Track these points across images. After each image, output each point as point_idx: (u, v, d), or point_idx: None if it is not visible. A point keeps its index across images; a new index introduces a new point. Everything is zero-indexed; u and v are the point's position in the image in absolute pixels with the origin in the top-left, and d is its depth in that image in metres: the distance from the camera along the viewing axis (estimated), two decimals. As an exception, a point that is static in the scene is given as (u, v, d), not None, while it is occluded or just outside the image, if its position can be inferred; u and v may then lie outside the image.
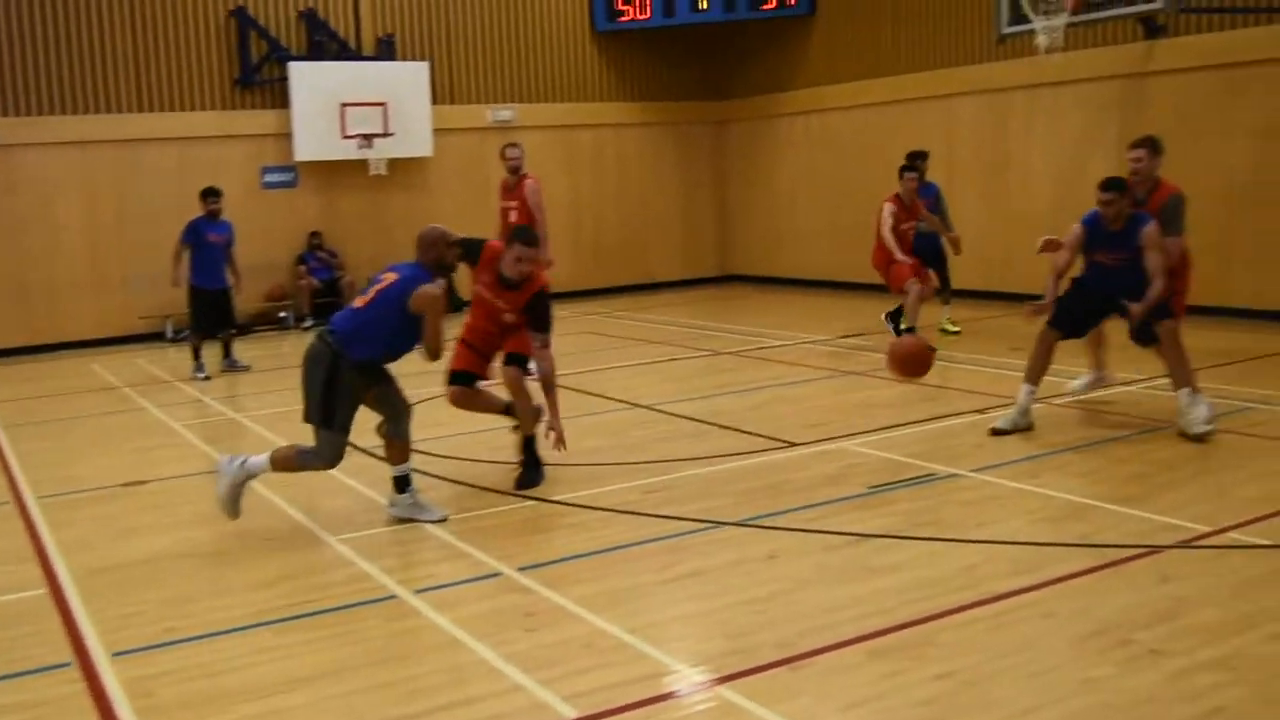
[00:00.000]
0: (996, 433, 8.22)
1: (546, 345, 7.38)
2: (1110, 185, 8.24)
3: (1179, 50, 13.70)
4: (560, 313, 16.57)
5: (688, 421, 9.23)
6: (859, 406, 9.55)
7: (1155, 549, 5.71)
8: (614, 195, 20.10)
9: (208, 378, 12.65)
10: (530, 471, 7.46)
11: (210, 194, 13.08)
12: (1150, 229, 8.24)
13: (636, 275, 20.35)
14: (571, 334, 14.87)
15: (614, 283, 19.95)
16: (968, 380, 10.31)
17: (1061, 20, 11.89)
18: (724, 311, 17.14)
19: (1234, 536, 5.84)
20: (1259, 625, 4.72)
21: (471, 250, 7.38)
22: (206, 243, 12.89)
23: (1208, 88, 13.48)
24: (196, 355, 12.91)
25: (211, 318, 13.06)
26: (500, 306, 7.39)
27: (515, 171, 11.89)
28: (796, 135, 19.35)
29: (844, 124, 18.33)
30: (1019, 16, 12.50)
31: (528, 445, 7.53)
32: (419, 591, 5.56)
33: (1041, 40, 12.05)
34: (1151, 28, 13.33)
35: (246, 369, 13.21)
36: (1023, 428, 8.28)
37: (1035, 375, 8.40)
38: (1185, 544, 5.76)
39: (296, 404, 6.72)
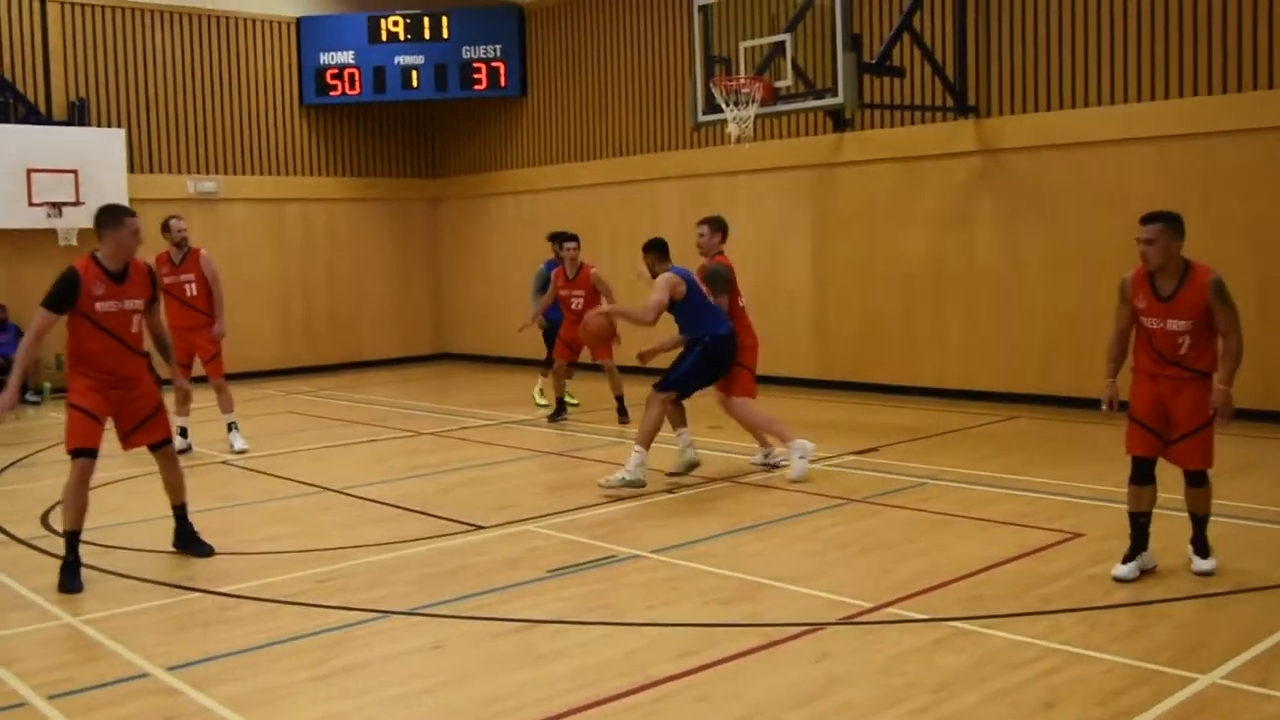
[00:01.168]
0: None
1: None
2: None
3: (864, 143, 14.47)
4: (264, 391, 16.17)
5: (376, 505, 8.98)
6: (551, 487, 9.52)
7: (818, 626, 5.82)
8: (324, 271, 19.66)
9: None
10: None
11: None
12: None
13: (347, 354, 19.91)
14: (269, 414, 14.37)
15: (323, 361, 19.47)
16: (656, 459, 10.40)
17: (751, 111, 12.33)
18: (432, 390, 16.92)
19: (894, 611, 6.02)
20: (905, 699, 4.84)
21: None
22: None
23: (890, 178, 14.27)
24: None
25: None
26: None
27: (182, 245, 11.43)
28: (509, 214, 19.45)
29: (555, 204, 18.52)
30: (714, 106, 12.90)
31: None
32: (53, 697, 5.12)
33: (733, 129, 12.46)
34: (839, 121, 14.03)
35: None
36: None
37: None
38: (846, 620, 5.89)
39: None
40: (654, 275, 9.49)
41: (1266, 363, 11.33)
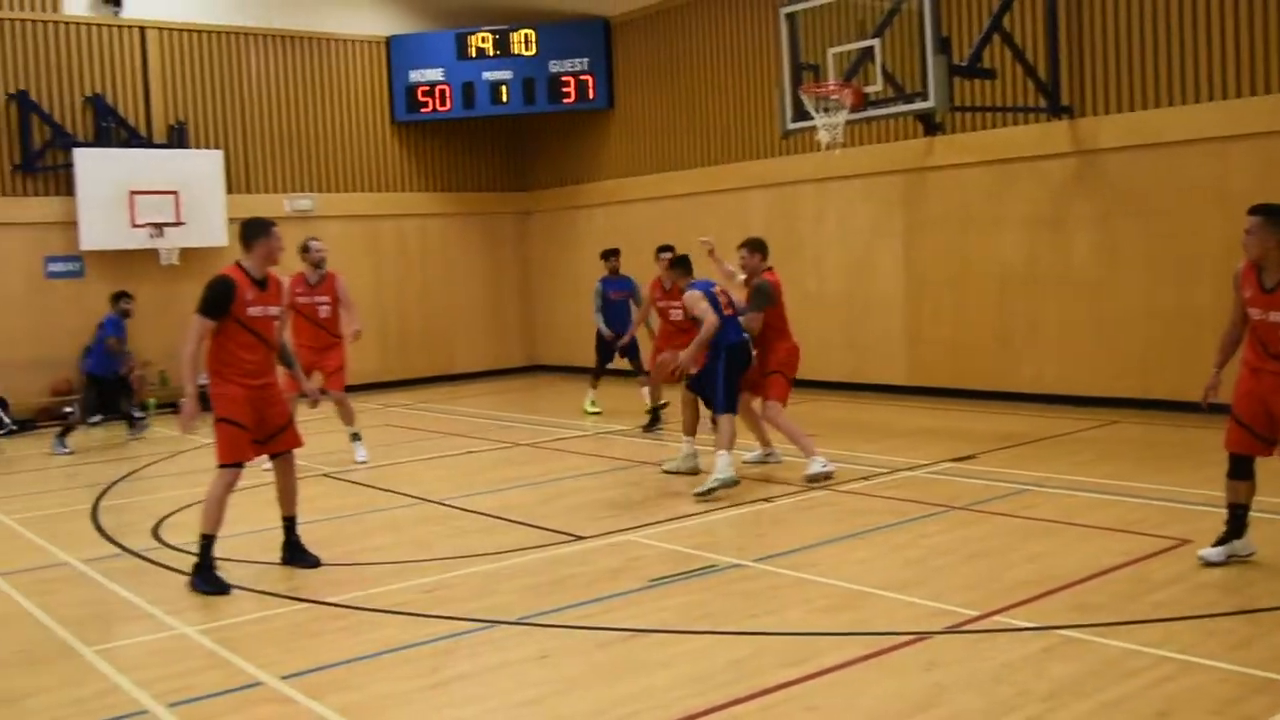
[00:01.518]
0: None
1: None
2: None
3: (955, 146, 14.34)
4: (362, 405, 16.38)
5: (477, 516, 9.08)
6: (648, 497, 9.54)
7: (924, 635, 5.78)
8: (418, 286, 19.93)
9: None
10: None
11: None
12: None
13: (440, 366, 20.16)
14: (368, 427, 14.51)
15: (417, 374, 19.72)
16: (758, 468, 10.41)
17: (841, 118, 12.28)
18: (525, 402, 17.07)
19: (1000, 620, 5.96)
20: (1016, 709, 4.79)
21: None
22: None
23: (982, 181, 14.13)
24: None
25: None
26: None
27: (320, 266, 11.65)
28: (598, 225, 19.54)
29: (644, 215, 18.59)
30: (803, 113, 12.88)
31: None
32: (173, 705, 5.26)
33: (823, 136, 12.42)
34: (929, 125, 13.90)
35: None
36: None
37: None
38: (953, 629, 5.85)
39: (70, 504, 6.36)
40: (678, 289, 10.28)
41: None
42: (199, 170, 17.40)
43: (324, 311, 11.60)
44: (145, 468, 12.30)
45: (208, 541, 7.22)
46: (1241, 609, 6.01)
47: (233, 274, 7.29)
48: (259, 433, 7.36)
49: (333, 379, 11.62)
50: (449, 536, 8.48)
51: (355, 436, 11.90)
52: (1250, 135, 11.93)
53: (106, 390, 14.53)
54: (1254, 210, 6.60)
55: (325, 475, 11.15)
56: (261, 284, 7.35)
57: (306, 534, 7.86)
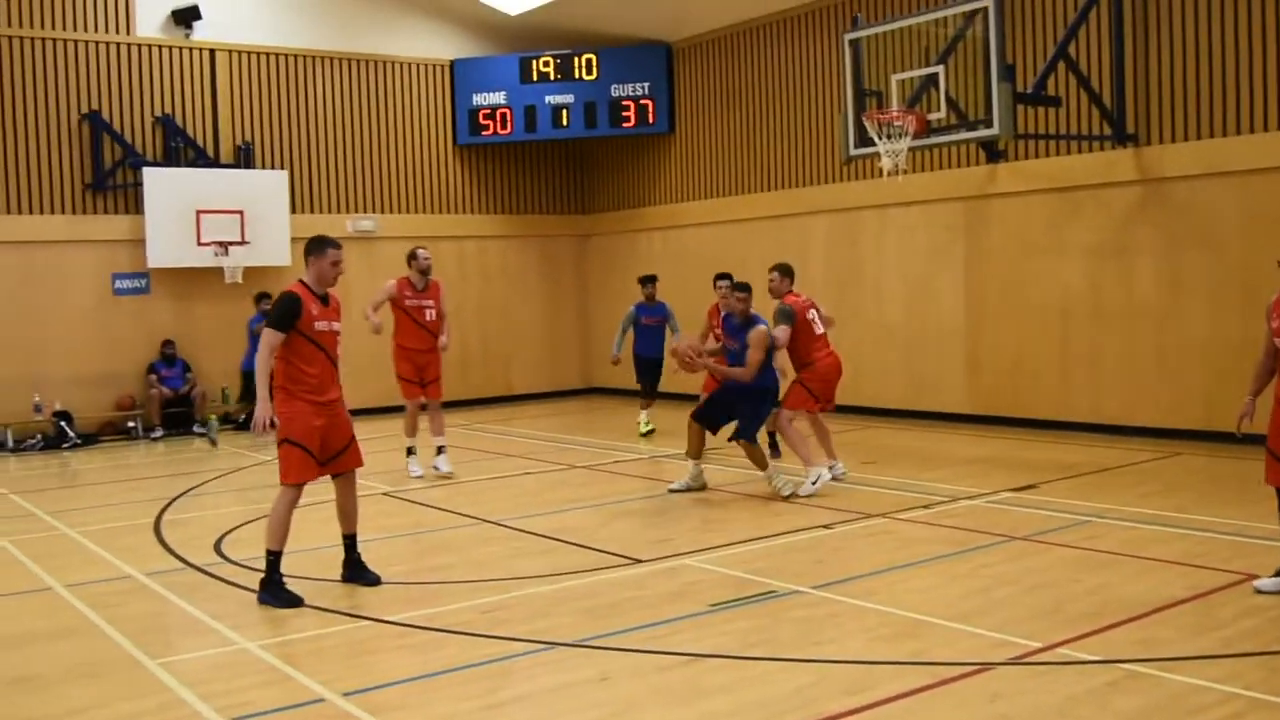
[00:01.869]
0: None
1: None
2: None
3: (1018, 174, 14.25)
4: (423, 424, 16.50)
5: (535, 537, 9.10)
6: (707, 521, 9.52)
7: (987, 666, 5.72)
8: (476, 307, 20.04)
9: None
10: None
11: None
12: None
13: (498, 388, 20.26)
14: (425, 448, 14.65)
15: (476, 394, 19.81)
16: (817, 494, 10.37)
17: (904, 144, 12.25)
18: (581, 424, 17.10)
19: (1064, 652, 5.89)
20: (1081, 743, 4.74)
21: None
22: None
23: (1045, 209, 14.02)
24: None
25: None
26: None
27: (426, 273, 12.15)
28: (656, 249, 19.59)
29: (703, 239, 18.62)
30: (866, 139, 12.86)
31: None
32: (236, 720, 5.32)
33: (886, 163, 12.39)
34: (992, 153, 13.84)
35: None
36: None
37: None
38: (1016, 660, 5.79)
39: (133, 518, 6.45)
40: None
41: None
42: (264, 190, 17.64)
43: (429, 315, 12.02)
44: (207, 483, 12.45)
45: (274, 557, 7.32)
46: (1311, 647, 5.90)
47: (298, 290, 7.42)
48: (322, 454, 7.43)
49: (433, 388, 12.04)
50: (507, 557, 8.50)
51: (441, 449, 12.22)
52: (1319, 165, 11.78)
53: None
54: None
55: (385, 494, 11.23)
56: (324, 299, 7.49)
57: (366, 552, 7.92)
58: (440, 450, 12.23)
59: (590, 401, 20.19)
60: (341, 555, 7.81)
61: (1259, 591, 6.64)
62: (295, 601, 7.21)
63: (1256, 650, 5.83)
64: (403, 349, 12.01)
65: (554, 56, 19.33)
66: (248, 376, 15.86)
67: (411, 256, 12.23)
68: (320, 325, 7.38)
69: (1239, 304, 12.35)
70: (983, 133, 12.24)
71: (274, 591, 7.27)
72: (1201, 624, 6.29)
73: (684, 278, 17.66)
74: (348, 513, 7.74)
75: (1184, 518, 9.00)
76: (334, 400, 7.50)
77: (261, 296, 16.44)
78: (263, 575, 7.38)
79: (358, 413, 16.66)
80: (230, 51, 17.91)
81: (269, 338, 7.28)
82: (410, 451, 12.26)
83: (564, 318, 21.11)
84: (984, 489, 10.34)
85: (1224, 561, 7.63)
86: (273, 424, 7.28)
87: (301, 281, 7.51)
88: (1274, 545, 7.84)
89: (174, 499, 11.40)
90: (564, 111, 19.32)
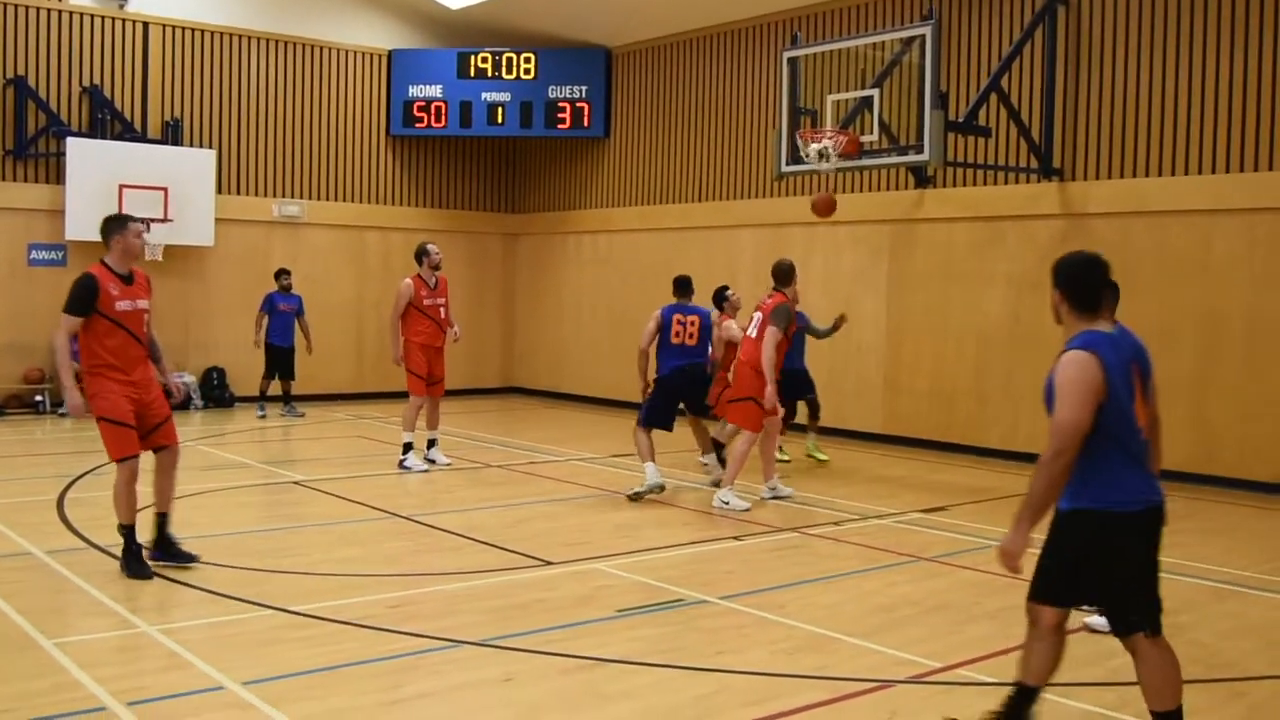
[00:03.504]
0: None
1: None
2: None
3: (945, 200, 14.47)
4: (335, 415, 16.37)
5: (445, 534, 9.06)
6: (620, 527, 9.54)
7: (887, 684, 5.80)
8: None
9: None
10: None
11: None
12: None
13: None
14: (342, 437, 14.56)
15: (393, 387, 19.57)
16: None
17: (835, 164, 12.38)
18: (501, 424, 17.05)
19: (963, 673, 5.98)
20: (975, 764, 4.81)
21: None
22: None
23: (969, 236, 14.25)
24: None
25: None
26: None
27: (438, 268, 12.29)
28: (585, 253, 19.60)
29: (632, 246, 18.66)
30: (797, 157, 12.97)
31: None
32: (132, 704, 5.22)
33: (820, 163, 12.50)
34: (920, 177, 14.04)
35: None
36: None
37: None
38: (916, 679, 5.87)
39: (37, 494, 6.32)
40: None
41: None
42: (190, 169, 17.37)
43: (444, 311, 12.25)
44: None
45: (126, 531, 7.46)
46: (1200, 678, 6.04)
47: (96, 271, 7.42)
48: (142, 426, 7.47)
49: (439, 386, 12.30)
50: (416, 553, 8.47)
51: (433, 442, 12.43)
52: (1233, 210, 12.09)
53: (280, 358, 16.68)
54: None
55: (296, 484, 11.11)
56: (127, 279, 7.49)
57: (271, 541, 7.86)
58: (433, 443, 12.40)
59: (510, 401, 20.13)
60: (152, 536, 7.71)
61: (1091, 630, 6.54)
62: (146, 574, 7.33)
63: (1148, 680, 5.95)
64: (418, 345, 12.05)
65: (493, 53, 19.28)
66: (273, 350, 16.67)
67: (423, 254, 12.25)
68: (122, 305, 7.37)
69: (1151, 342, 12.55)
70: (913, 158, 12.42)
71: (128, 561, 7.41)
72: (1097, 652, 6.40)
73: (611, 283, 17.72)
74: (162, 490, 7.74)
75: (1086, 547, 9.16)
76: (144, 379, 7.51)
77: (281, 272, 16.75)
78: (122, 548, 7.48)
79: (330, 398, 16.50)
80: (164, 25, 17.63)
81: (66, 323, 7.33)
82: (409, 447, 12.19)
83: (488, 316, 21.02)
84: (894, 509, 10.48)
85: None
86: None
87: (102, 262, 7.50)
88: (1169, 577, 8.01)
89: (79, 477, 11.19)
90: (500, 109, 19.27)
